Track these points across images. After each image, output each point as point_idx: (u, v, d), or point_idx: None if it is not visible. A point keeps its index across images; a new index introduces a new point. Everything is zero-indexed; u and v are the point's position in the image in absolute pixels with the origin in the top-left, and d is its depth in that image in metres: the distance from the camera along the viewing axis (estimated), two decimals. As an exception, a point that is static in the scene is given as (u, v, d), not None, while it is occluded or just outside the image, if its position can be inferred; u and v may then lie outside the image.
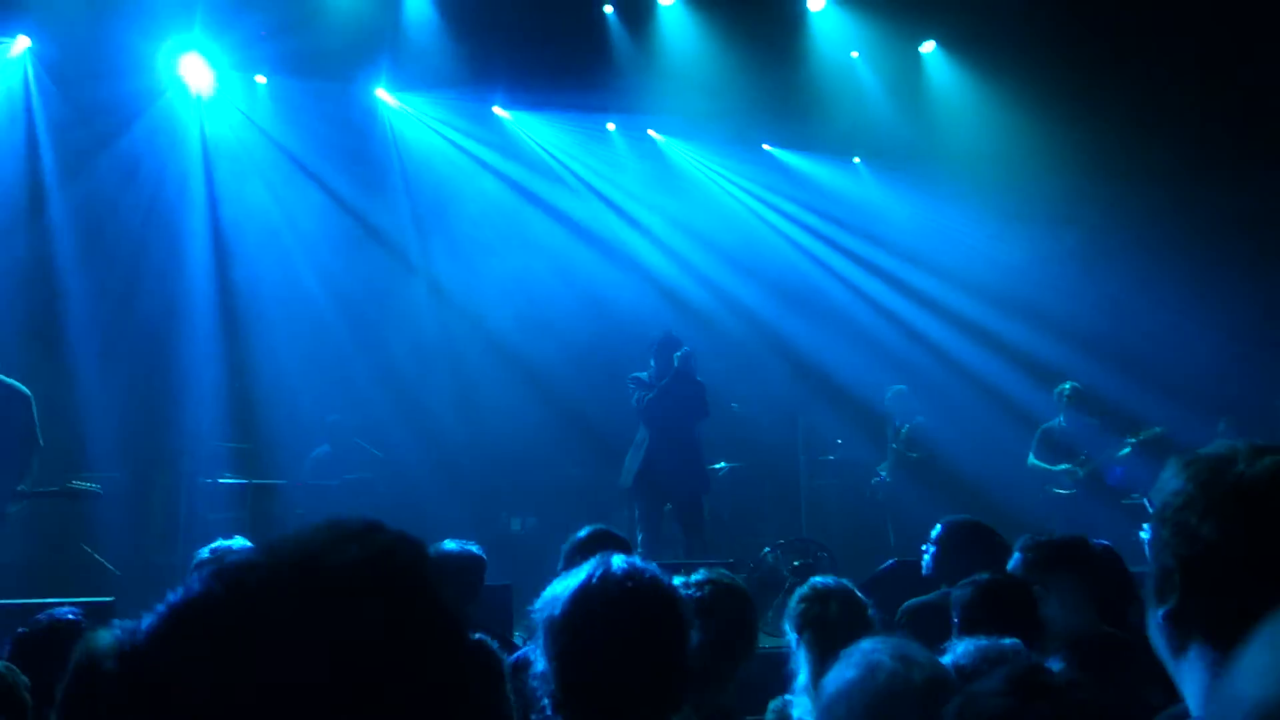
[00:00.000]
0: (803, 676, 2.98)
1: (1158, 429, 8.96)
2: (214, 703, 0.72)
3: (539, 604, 1.64)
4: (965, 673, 1.86)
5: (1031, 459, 9.34)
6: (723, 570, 2.76)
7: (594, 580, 1.59)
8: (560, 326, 11.05)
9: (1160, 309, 10.55)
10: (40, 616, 3.21)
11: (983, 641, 2.10)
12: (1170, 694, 1.70)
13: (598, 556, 1.68)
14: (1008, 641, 2.35)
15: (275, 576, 0.77)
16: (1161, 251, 10.47)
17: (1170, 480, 1.39)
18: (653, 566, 1.70)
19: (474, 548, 4.04)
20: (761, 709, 3.16)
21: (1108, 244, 10.81)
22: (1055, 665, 2.92)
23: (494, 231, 11.43)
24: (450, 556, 3.90)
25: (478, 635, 2.13)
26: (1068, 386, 9.26)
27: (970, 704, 1.07)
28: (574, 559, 3.37)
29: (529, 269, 11.25)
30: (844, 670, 1.64)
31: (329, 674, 0.74)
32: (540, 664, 1.60)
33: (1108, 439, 9.19)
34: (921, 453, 9.85)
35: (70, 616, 3.21)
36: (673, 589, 1.65)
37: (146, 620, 0.79)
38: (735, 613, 2.63)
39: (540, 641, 1.61)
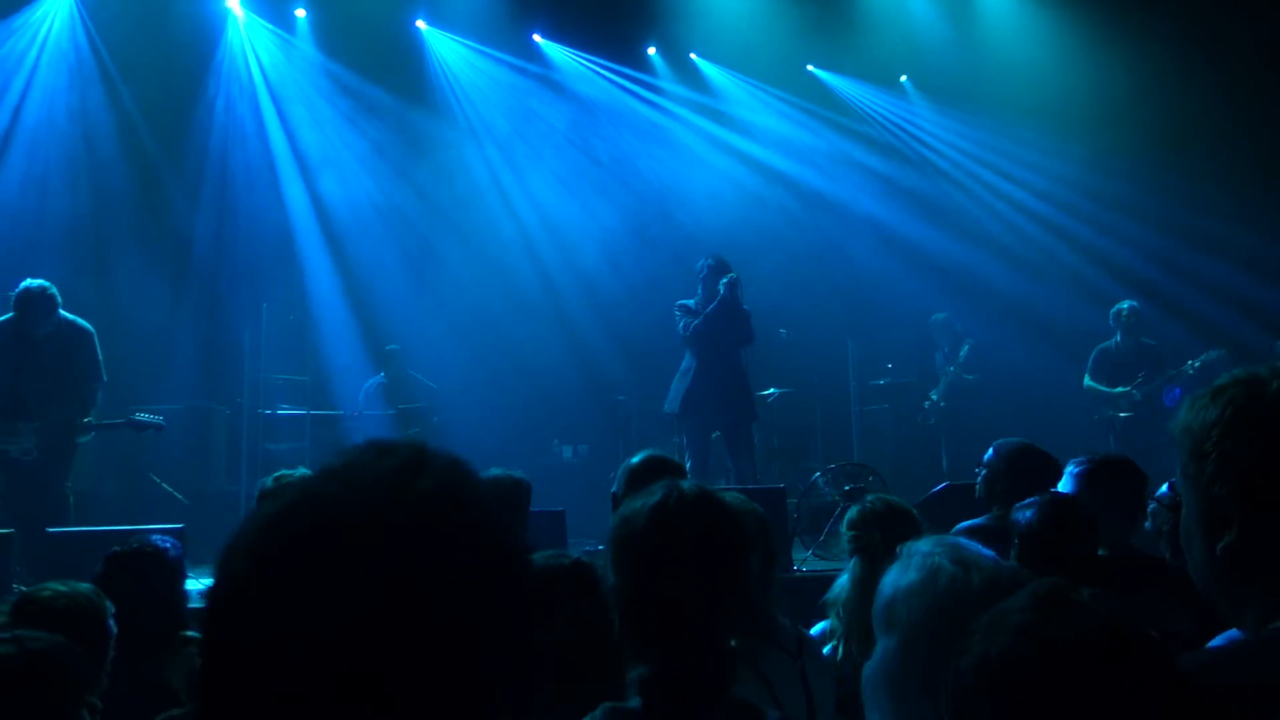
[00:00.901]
0: (836, 588, 3.03)
1: (1220, 351, 8.77)
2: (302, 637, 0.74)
3: (614, 520, 1.72)
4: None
5: (1087, 380, 9.20)
6: (736, 493, 2.80)
7: (666, 501, 1.67)
8: (610, 253, 11.05)
9: (1219, 224, 10.26)
10: (132, 540, 3.37)
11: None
12: (1200, 620, 1.68)
13: (667, 480, 1.76)
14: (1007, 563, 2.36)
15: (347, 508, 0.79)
16: (1222, 169, 10.15)
17: (1200, 413, 1.35)
18: (719, 492, 1.78)
19: (518, 473, 4.09)
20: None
21: (1165, 160, 10.47)
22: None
23: (546, 155, 11.40)
24: (495, 482, 3.96)
25: (575, 555, 2.26)
26: (1125, 306, 9.05)
27: (996, 620, 1.09)
28: (634, 482, 3.43)
29: (581, 193, 11.23)
30: (902, 574, 1.66)
31: (408, 605, 0.76)
32: (611, 577, 1.69)
33: (1165, 360, 9.03)
34: (976, 375, 9.83)
35: (157, 542, 3.36)
36: (738, 515, 1.72)
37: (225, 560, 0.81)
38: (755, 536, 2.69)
39: (611, 556, 1.70)
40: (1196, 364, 8.78)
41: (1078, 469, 3.55)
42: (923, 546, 1.69)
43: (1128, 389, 8.93)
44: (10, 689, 1.72)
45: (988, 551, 1.70)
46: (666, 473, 3.48)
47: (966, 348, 9.87)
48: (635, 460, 3.57)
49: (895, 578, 1.67)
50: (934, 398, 10.09)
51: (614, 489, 3.62)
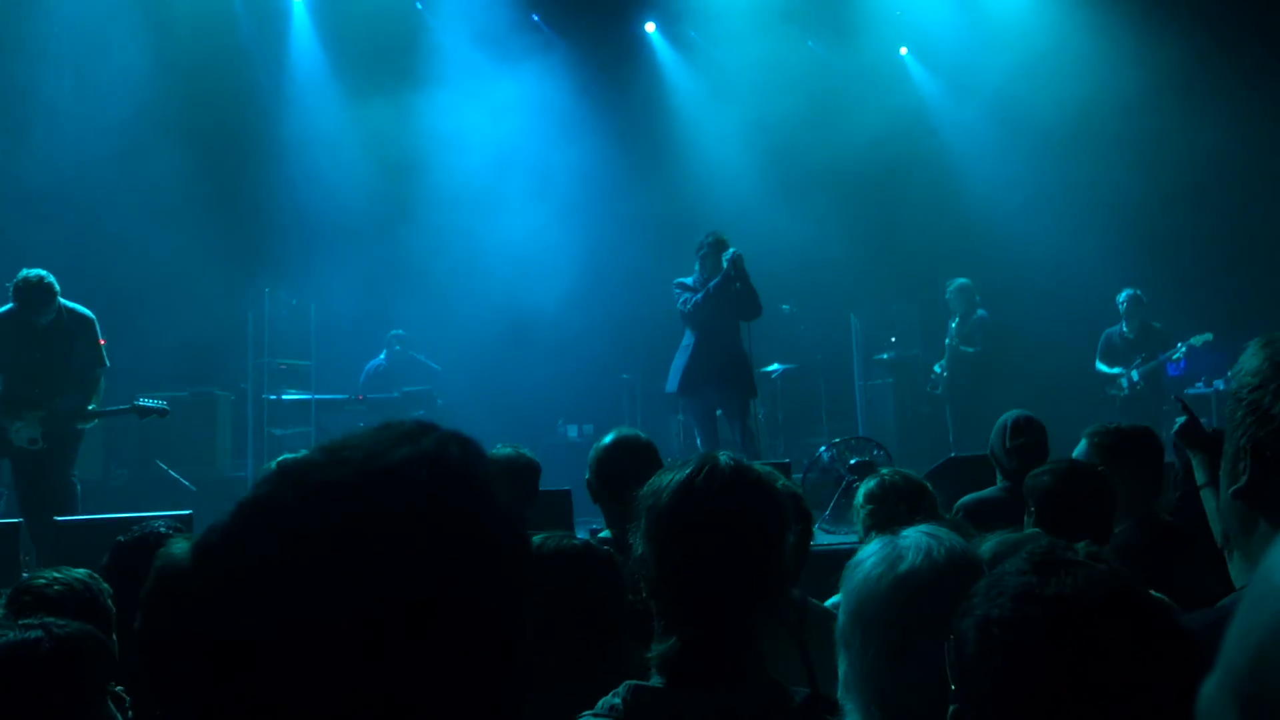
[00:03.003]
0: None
1: (1208, 335, 8.90)
2: (282, 600, 0.74)
3: (644, 490, 1.68)
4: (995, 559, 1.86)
5: (1098, 363, 9.57)
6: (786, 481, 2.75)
7: (701, 472, 1.63)
8: (613, 231, 11.01)
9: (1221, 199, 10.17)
10: (135, 528, 3.36)
11: (1008, 535, 2.10)
12: (1228, 583, 1.70)
13: (704, 451, 1.72)
14: (1029, 532, 2.33)
15: (337, 478, 0.78)
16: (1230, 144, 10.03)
17: (1248, 360, 1.37)
18: (758, 466, 1.73)
19: (526, 452, 4.00)
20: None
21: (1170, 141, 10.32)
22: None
23: (547, 133, 11.31)
24: (504, 460, 3.88)
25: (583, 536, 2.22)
26: (1127, 294, 9.41)
27: (995, 584, 1.09)
28: (604, 465, 3.34)
29: (582, 171, 11.17)
30: (869, 550, 1.63)
31: (394, 578, 0.75)
32: (639, 548, 1.65)
33: (1170, 343, 9.17)
34: (979, 347, 9.70)
35: (163, 529, 3.36)
36: (776, 489, 1.68)
37: (218, 522, 0.81)
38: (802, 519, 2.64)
39: (642, 528, 1.66)
40: (1184, 347, 9.04)
41: (1095, 439, 3.54)
42: (908, 530, 1.63)
43: (1124, 371, 9.33)
44: (36, 677, 1.72)
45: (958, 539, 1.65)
46: (638, 453, 3.37)
47: (956, 321, 9.76)
48: (605, 441, 3.44)
49: (861, 554, 1.64)
50: (937, 370, 10.03)
51: (586, 475, 3.49)
